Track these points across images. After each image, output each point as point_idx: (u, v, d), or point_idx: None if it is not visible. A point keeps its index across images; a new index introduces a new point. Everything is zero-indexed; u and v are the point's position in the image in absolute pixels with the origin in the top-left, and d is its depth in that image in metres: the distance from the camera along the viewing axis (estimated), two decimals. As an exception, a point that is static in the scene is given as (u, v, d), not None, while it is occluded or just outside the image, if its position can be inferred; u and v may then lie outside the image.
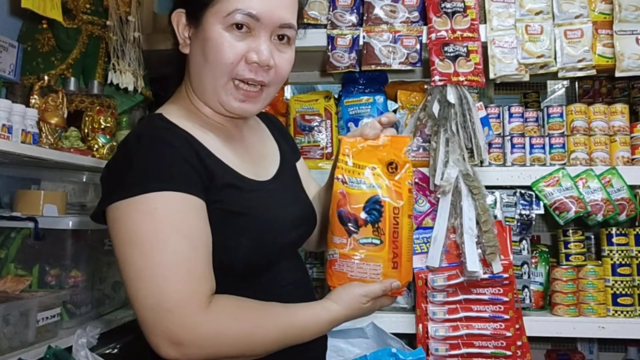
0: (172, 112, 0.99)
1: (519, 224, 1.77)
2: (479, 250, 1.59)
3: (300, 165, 1.22)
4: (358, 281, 0.97)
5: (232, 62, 0.93)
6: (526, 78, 1.77)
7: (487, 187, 1.69)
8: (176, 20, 0.99)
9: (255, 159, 1.06)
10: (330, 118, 1.91)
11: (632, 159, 1.80)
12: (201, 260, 0.86)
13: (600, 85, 2.27)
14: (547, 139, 1.82)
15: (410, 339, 1.71)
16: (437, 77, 1.72)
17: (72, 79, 1.78)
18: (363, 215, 0.96)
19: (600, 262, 1.80)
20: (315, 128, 1.91)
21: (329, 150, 1.90)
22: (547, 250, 1.89)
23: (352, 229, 0.96)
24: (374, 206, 0.96)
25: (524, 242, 1.79)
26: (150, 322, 0.83)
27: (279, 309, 0.92)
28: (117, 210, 0.86)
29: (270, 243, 0.97)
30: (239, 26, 0.93)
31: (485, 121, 1.74)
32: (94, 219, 0.94)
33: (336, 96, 1.98)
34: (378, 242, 0.95)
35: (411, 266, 0.98)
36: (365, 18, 1.82)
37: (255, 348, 0.88)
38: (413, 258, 1.01)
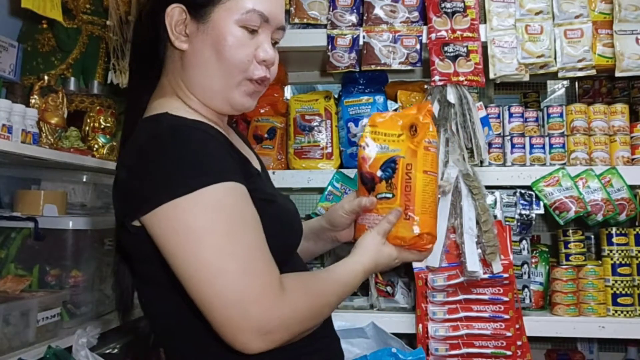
0: (177, 110, 0.93)
1: (519, 224, 1.77)
2: (479, 250, 1.59)
3: None
4: None
5: (249, 61, 0.94)
6: (526, 78, 1.77)
7: (487, 187, 1.68)
8: (170, 16, 0.95)
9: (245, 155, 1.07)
10: (330, 118, 1.91)
11: (632, 159, 1.80)
12: (266, 246, 0.86)
13: (600, 85, 2.27)
14: (547, 139, 1.82)
15: (410, 339, 1.71)
16: (437, 77, 1.72)
17: (72, 79, 1.78)
18: (379, 173, 1.06)
19: (600, 262, 1.80)
20: (315, 128, 1.90)
21: (329, 150, 1.90)
22: (547, 250, 1.89)
23: (370, 186, 1.06)
24: (389, 165, 1.05)
25: (524, 242, 1.79)
26: (234, 319, 0.79)
27: (328, 273, 0.98)
28: (173, 209, 0.80)
29: (295, 230, 1.03)
30: (250, 25, 0.93)
31: (485, 121, 1.74)
32: (121, 227, 0.90)
33: (336, 96, 1.98)
34: (390, 195, 1.04)
35: (431, 219, 1.03)
36: (365, 18, 1.82)
37: (323, 314, 0.93)
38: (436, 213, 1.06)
